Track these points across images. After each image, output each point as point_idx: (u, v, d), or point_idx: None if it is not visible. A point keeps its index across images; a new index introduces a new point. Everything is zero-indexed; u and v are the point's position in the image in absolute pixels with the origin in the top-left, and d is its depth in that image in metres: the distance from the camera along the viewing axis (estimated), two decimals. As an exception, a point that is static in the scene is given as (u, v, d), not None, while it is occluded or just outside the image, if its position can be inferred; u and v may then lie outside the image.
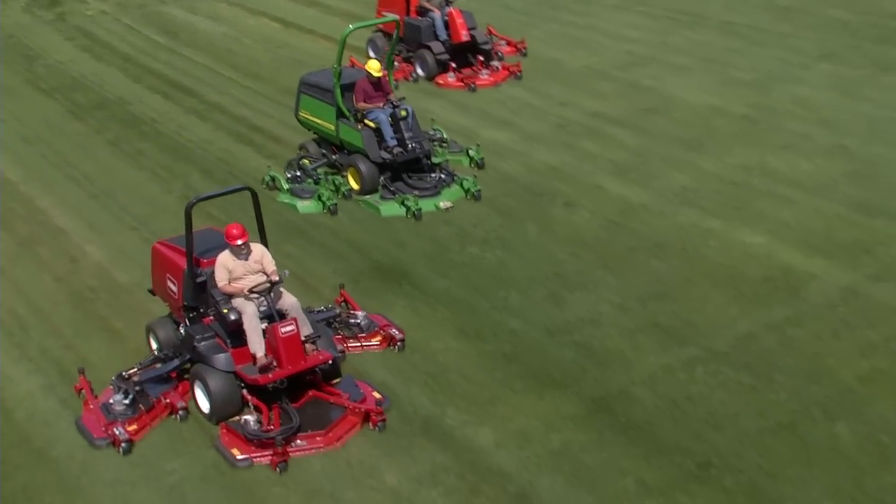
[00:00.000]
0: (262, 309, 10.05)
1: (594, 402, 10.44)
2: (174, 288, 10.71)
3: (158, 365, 10.61)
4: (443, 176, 15.19)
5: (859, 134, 17.23)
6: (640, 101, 19.02)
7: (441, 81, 19.94)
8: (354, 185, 15.19)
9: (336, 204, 14.74)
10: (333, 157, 15.75)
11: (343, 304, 11.96)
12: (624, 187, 15.53)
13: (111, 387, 10.46)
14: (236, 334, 10.01)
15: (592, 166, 16.36)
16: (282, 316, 10.08)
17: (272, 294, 10.19)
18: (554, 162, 16.49)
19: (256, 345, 9.90)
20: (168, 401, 10.26)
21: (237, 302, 10.07)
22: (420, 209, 14.45)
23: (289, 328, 9.86)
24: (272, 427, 9.73)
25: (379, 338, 11.39)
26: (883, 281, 12.60)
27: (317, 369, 10.27)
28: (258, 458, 9.53)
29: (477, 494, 9.17)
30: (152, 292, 11.45)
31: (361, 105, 15.17)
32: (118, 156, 17.48)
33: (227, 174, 16.46)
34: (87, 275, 13.43)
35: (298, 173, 15.64)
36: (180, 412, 10.15)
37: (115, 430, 9.79)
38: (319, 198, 14.84)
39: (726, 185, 15.50)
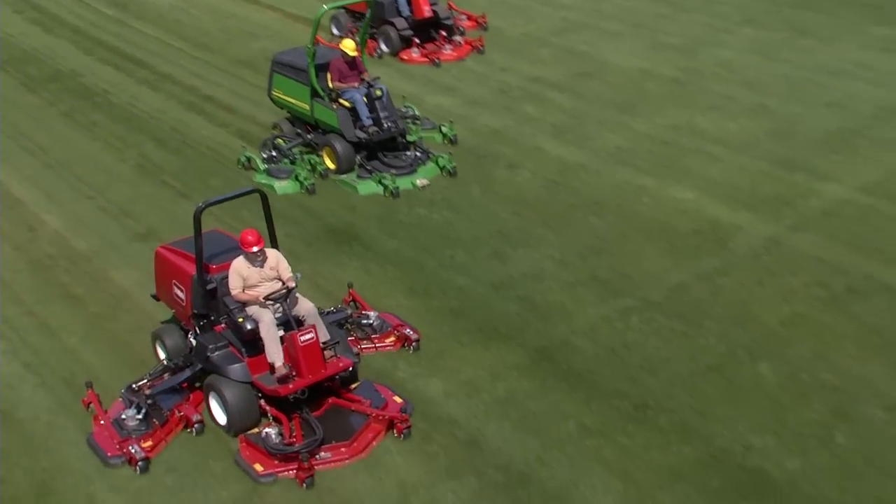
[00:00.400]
0: (278, 316, 9.28)
1: (537, 352, 10.56)
2: (182, 295, 9.92)
3: (167, 376, 9.86)
4: (418, 154, 14.75)
5: (779, 94, 17.50)
6: (576, 66, 19.10)
7: (405, 57, 19.54)
8: (330, 165, 14.70)
9: (314, 184, 14.26)
10: (308, 136, 15.19)
11: (352, 303, 11.18)
12: (562, 148, 15.62)
13: (120, 399, 9.65)
14: (252, 343, 9.26)
15: (532, 129, 16.43)
16: (298, 322, 9.29)
17: (288, 300, 9.39)
18: (496, 125, 16.53)
19: (275, 354, 9.12)
20: (182, 413, 9.40)
21: (252, 310, 9.29)
22: (398, 187, 14.02)
23: (308, 336, 9.10)
24: (294, 439, 8.98)
25: (392, 338, 10.61)
26: (802, 231, 12.87)
27: (336, 376, 9.53)
28: (282, 473, 8.76)
29: (429, 442, 9.27)
30: (156, 298, 10.61)
31: (336, 84, 14.65)
32: (72, 127, 17.16)
33: (180, 143, 16.26)
34: (46, 243, 13.23)
35: (274, 153, 15.02)
36: (196, 425, 9.29)
37: (130, 448, 8.96)
38: (297, 178, 14.30)
39: (657, 144, 15.67)
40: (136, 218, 13.78)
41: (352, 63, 14.74)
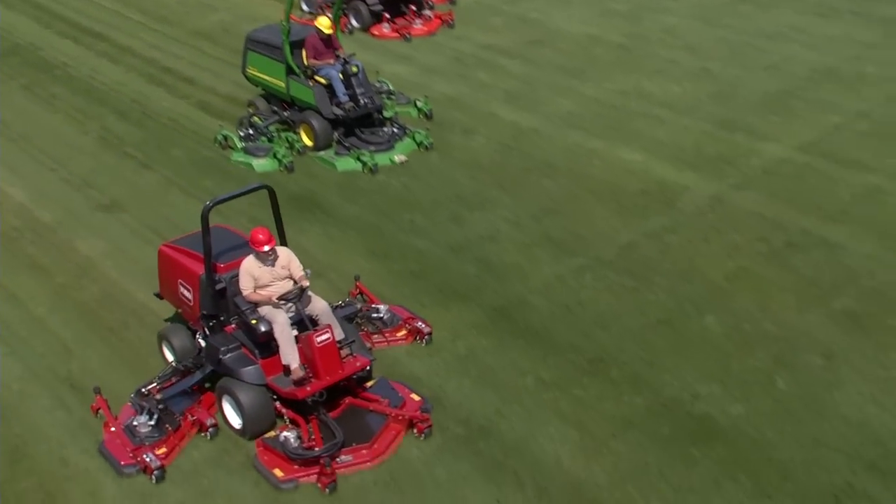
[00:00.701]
0: (291, 315, 8.70)
1: (495, 310, 10.61)
2: (189, 295, 9.27)
3: (175, 378, 9.22)
4: (395, 130, 14.36)
5: (720, 58, 17.61)
6: (528, 34, 19.04)
7: (376, 32, 19.11)
8: (308, 142, 14.25)
9: (292, 161, 13.81)
10: (285, 113, 14.68)
11: (360, 296, 10.55)
12: (515, 113, 15.61)
13: (130, 404, 9.03)
14: (265, 344, 8.68)
15: (486, 95, 16.38)
16: (312, 322, 8.76)
17: (301, 300, 8.84)
18: (451, 92, 16.45)
19: (290, 356, 8.56)
20: (195, 417, 8.80)
21: (265, 311, 8.71)
22: (377, 164, 13.62)
23: (325, 336, 8.54)
24: (314, 443, 8.38)
25: (404, 331, 10.06)
26: (744, 189, 13.02)
27: (353, 376, 8.98)
28: (304, 478, 8.21)
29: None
30: (159, 296, 9.95)
31: (312, 62, 14.16)
32: (33, 100, 16.78)
33: (140, 115, 15.99)
34: (11, 215, 12.97)
35: (251, 131, 14.50)
36: (210, 429, 8.72)
37: (144, 456, 8.34)
38: (275, 155, 13.86)
39: (606, 108, 15.71)
40: (100, 189, 13.56)
41: (327, 40, 14.25)
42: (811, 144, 14.25)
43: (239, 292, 8.86)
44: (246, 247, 9.06)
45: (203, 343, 9.15)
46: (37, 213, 12.98)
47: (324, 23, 14.16)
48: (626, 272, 11.22)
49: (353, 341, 8.98)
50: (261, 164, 13.88)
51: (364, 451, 8.43)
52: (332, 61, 14.16)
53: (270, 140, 14.37)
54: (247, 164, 13.88)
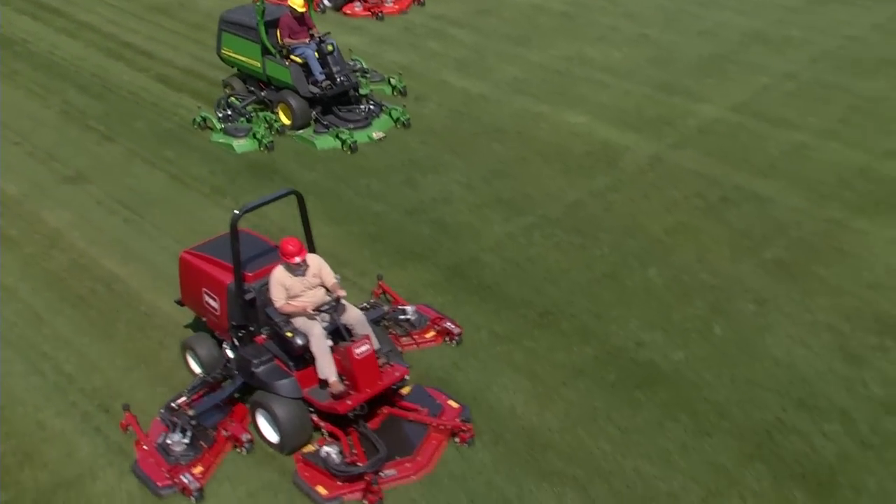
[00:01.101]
0: (325, 325, 8.03)
1: (450, 269, 10.64)
2: (215, 305, 8.52)
3: (203, 390, 8.51)
4: (371, 107, 13.92)
5: (658, 24, 17.68)
6: (475, 4, 18.92)
7: (349, 11, 18.62)
8: (286, 121, 13.75)
9: (272, 141, 13.30)
10: (262, 93, 14.17)
11: (383, 296, 9.85)
12: (465, 81, 15.54)
13: (159, 419, 8.30)
14: (300, 356, 8.01)
15: (437, 64, 16.28)
16: (347, 331, 8.05)
17: (336, 309, 8.13)
18: (403, 61, 16.31)
19: (327, 369, 7.89)
20: (229, 433, 8.09)
21: (299, 322, 8.01)
22: (356, 141, 13.20)
23: (364, 348, 7.85)
24: (356, 457, 7.73)
25: (433, 332, 9.37)
26: (681, 148, 13.15)
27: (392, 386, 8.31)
28: (348, 495, 7.55)
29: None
30: (180, 303, 9.23)
31: (287, 41, 13.62)
32: (-6, 77, 16.36)
33: (101, 88, 15.64)
34: (-22, 190, 12.71)
35: (229, 112, 13.99)
36: (246, 445, 8.01)
37: (182, 477, 7.65)
38: (254, 136, 13.35)
39: (551, 73, 15.71)
40: (64, 162, 13.28)
41: (300, 19, 13.74)
42: (742, 105, 14.41)
43: (270, 303, 8.16)
44: (273, 252, 8.45)
45: (232, 354, 8.45)
46: (3, 186, 12.68)
47: (297, 2, 13.61)
48: (572, 229, 11.30)
49: (391, 350, 8.34)
50: (241, 144, 13.35)
51: (408, 465, 7.77)
52: (306, 40, 13.68)
53: (249, 120, 13.86)
54: (227, 144, 13.37)
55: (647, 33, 17.28)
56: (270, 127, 13.66)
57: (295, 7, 13.61)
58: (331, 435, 8.02)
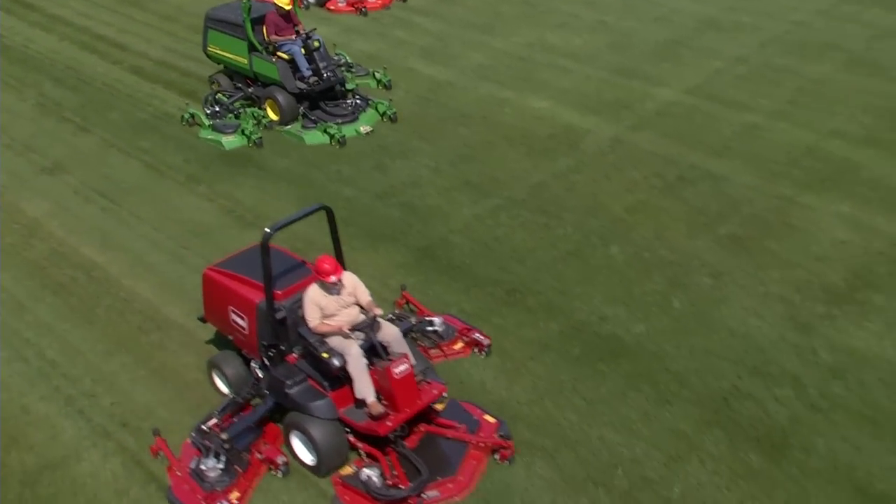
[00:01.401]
0: (360, 343, 7.53)
1: (420, 250, 10.62)
2: (243, 323, 7.99)
3: (231, 410, 7.94)
4: (358, 101, 13.59)
5: (616, 11, 17.70)
6: (439, -7, 18.83)
7: (332, 7, 18.19)
8: (273, 116, 13.41)
9: (261, 137, 12.92)
10: (249, 90, 13.76)
11: (406, 306, 9.32)
12: (431, 68, 15.48)
13: (190, 442, 7.76)
14: (336, 376, 7.52)
15: (404, 52, 16.19)
16: (383, 348, 7.51)
17: (372, 327, 7.59)
18: (371, 50, 16.20)
19: (366, 390, 7.35)
20: (264, 455, 7.61)
21: (335, 342, 7.47)
22: (344, 136, 12.88)
23: (402, 367, 7.33)
24: (397, 479, 7.25)
25: (461, 343, 8.87)
26: (640, 130, 13.21)
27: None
28: None
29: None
30: (203, 320, 8.68)
31: (274, 38, 13.24)
32: (-30, 70, 16.05)
33: (76, 81, 15.39)
34: (-43, 182, 12.49)
35: (217, 108, 13.58)
36: (282, 467, 7.52)
37: None
38: (243, 132, 12.95)
39: (514, 60, 15.69)
40: (41, 153, 13.06)
41: (287, 16, 13.38)
42: (697, 87, 14.49)
43: (302, 321, 7.68)
44: (301, 268, 8.06)
45: (262, 374, 8.00)
46: (-19, 179, 12.50)
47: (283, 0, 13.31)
48: (537, 210, 11.32)
49: (427, 367, 7.83)
50: (230, 140, 12.95)
51: (450, 485, 7.28)
52: (293, 37, 13.34)
53: (237, 116, 13.47)
54: (216, 141, 12.97)
55: (606, 20, 17.31)
56: (258, 123, 13.33)
57: (281, 5, 13.26)
58: (369, 456, 7.54)
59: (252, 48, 13.45)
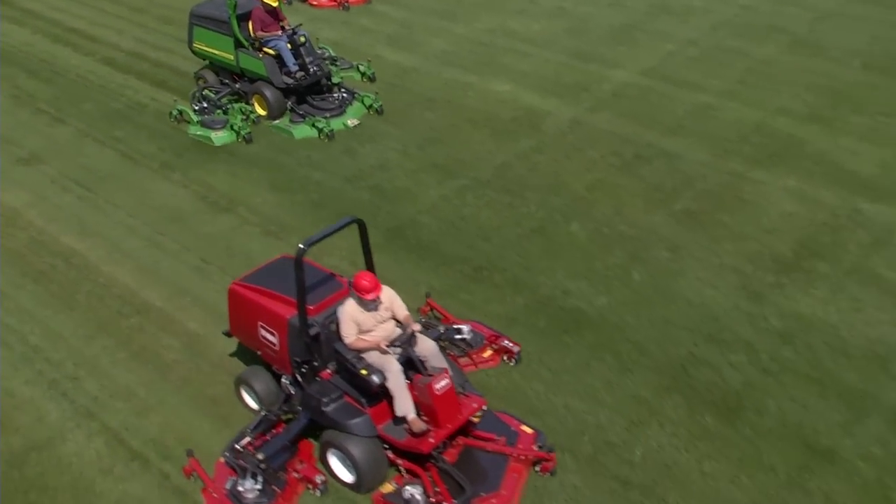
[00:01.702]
0: (397, 357, 7.08)
1: (389, 231, 10.57)
2: (273, 339, 7.51)
3: (264, 428, 7.47)
4: (344, 95, 13.20)
5: (574, -3, 17.65)
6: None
7: (314, 2, 17.65)
8: (261, 112, 13.01)
9: (250, 132, 12.49)
10: (236, 85, 13.34)
11: (431, 313, 8.82)
12: (397, 54, 15.36)
13: (224, 461, 7.24)
14: (373, 392, 7.04)
15: (370, 39, 16.04)
16: (420, 363, 7.09)
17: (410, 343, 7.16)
18: (337, 38, 16.02)
19: (406, 406, 6.93)
20: (301, 474, 7.15)
21: (374, 358, 7.02)
22: (332, 129, 12.53)
23: (444, 383, 6.86)
24: (440, 496, 6.79)
25: (490, 351, 8.39)
26: (598, 111, 13.23)
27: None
28: None
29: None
30: (228, 334, 8.16)
31: (260, 34, 12.84)
32: (-57, 64, 15.62)
33: (50, 73, 15.06)
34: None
35: (205, 104, 13.07)
36: (320, 486, 7.06)
37: None
38: (232, 127, 12.51)
39: (477, 45, 15.61)
40: (18, 144, 12.78)
41: (272, 12, 12.96)
42: (651, 69, 14.53)
43: (337, 337, 7.22)
44: (331, 281, 7.62)
45: (294, 390, 7.56)
46: (-42, 170, 12.21)
47: None
48: (502, 189, 11.31)
49: (465, 380, 7.37)
50: (219, 136, 12.49)
51: (494, 500, 6.84)
52: (279, 33, 12.99)
53: (225, 112, 12.98)
54: (205, 137, 12.51)
55: (564, 6, 17.26)
56: (247, 118, 12.95)
57: (268, 1, 12.87)
58: (409, 472, 7.08)
59: (238, 44, 13.04)
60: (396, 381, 6.93)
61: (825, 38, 15.75)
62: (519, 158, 12.03)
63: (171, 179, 11.72)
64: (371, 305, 7.11)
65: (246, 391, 7.87)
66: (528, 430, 7.41)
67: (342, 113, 13.04)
